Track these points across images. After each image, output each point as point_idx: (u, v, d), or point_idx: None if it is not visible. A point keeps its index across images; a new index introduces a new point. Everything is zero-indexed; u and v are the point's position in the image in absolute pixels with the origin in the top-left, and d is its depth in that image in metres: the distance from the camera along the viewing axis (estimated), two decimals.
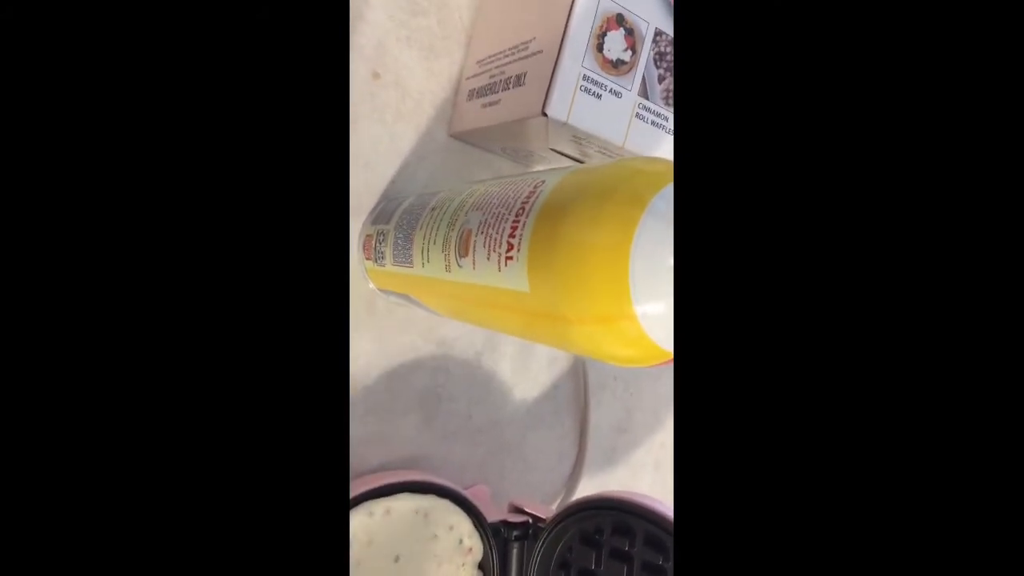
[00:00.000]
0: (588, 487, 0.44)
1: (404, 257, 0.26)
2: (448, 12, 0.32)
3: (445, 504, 0.32)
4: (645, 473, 0.47)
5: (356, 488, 0.30)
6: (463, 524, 0.33)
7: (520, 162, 0.35)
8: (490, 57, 0.30)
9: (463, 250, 0.21)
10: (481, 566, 0.34)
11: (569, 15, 0.25)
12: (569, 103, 0.25)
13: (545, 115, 0.25)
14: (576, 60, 0.25)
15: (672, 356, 0.17)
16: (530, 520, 0.35)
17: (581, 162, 0.31)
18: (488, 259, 0.20)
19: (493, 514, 0.34)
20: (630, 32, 0.26)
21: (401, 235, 0.26)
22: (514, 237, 0.19)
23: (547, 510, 0.35)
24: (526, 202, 0.19)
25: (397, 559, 0.31)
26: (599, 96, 0.26)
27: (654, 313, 0.16)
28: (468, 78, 0.32)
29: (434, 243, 0.23)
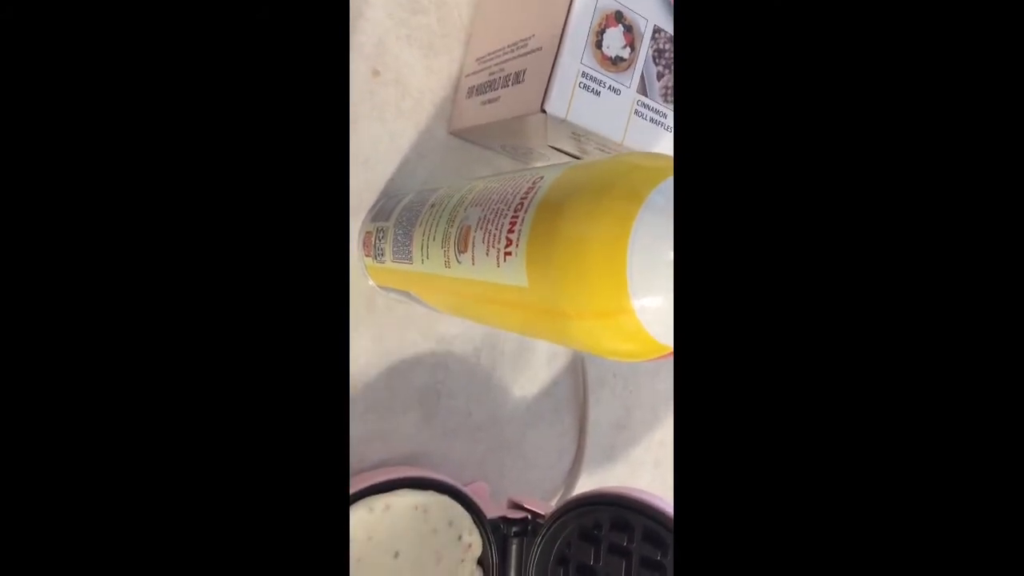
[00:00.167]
0: (587, 484, 0.44)
1: (404, 254, 0.26)
2: (447, 10, 0.32)
3: (445, 500, 0.32)
4: (644, 470, 0.47)
5: (356, 484, 0.31)
6: (463, 520, 0.33)
7: (519, 159, 0.35)
8: (489, 55, 0.30)
9: (462, 246, 0.21)
10: (480, 562, 0.34)
11: (568, 12, 0.25)
12: (568, 100, 0.25)
13: (544, 112, 0.25)
14: (575, 57, 0.25)
15: (670, 350, 0.17)
16: (529, 516, 0.35)
17: (580, 159, 0.31)
18: (487, 255, 0.20)
19: (492, 510, 0.35)
20: (629, 29, 0.26)
21: (401, 232, 0.27)
22: (513, 232, 0.19)
23: (546, 506, 0.35)
24: (524, 198, 0.19)
25: (397, 555, 0.31)
26: (598, 93, 0.26)
27: (652, 307, 0.16)
28: (467, 75, 0.32)
29: (433, 239, 0.23)
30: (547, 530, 0.33)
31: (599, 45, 0.26)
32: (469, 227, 0.21)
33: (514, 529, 0.34)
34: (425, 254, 0.24)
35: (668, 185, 0.16)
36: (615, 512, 0.31)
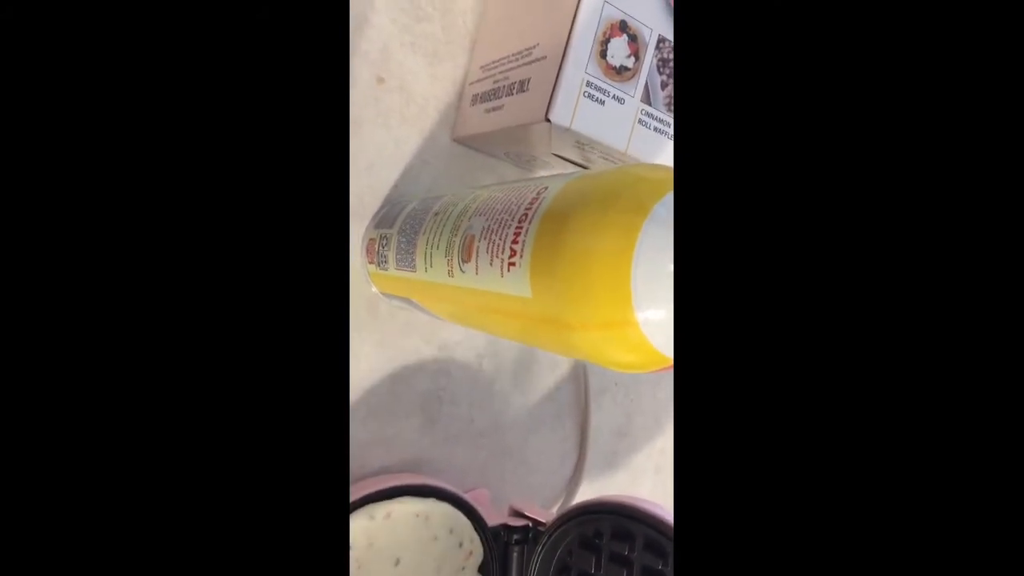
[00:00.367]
0: (588, 491, 0.44)
1: (407, 261, 0.26)
2: (452, 17, 0.32)
3: (446, 508, 0.32)
4: (645, 478, 0.47)
5: (357, 491, 0.31)
6: (464, 528, 0.33)
7: (523, 167, 0.35)
8: (494, 62, 0.30)
9: (466, 255, 0.21)
10: (481, 570, 0.34)
11: (573, 21, 0.25)
12: (572, 109, 0.26)
13: (549, 121, 0.25)
14: (579, 66, 0.25)
15: (673, 362, 0.17)
16: (530, 524, 0.35)
17: (584, 167, 0.31)
18: (491, 265, 0.20)
19: (493, 518, 0.35)
20: (633, 39, 0.26)
21: (404, 239, 0.27)
22: (517, 243, 0.19)
23: (547, 514, 0.35)
24: (529, 208, 0.19)
25: (398, 562, 0.31)
26: (602, 102, 0.26)
27: (656, 319, 0.16)
28: (472, 83, 0.32)
29: (437, 248, 0.23)
30: (548, 538, 0.33)
31: (603, 54, 0.26)
32: (473, 236, 0.21)
33: (515, 537, 0.34)
34: (428, 262, 0.24)
35: (672, 197, 0.16)
36: (616, 521, 0.31)
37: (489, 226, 0.20)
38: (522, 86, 0.27)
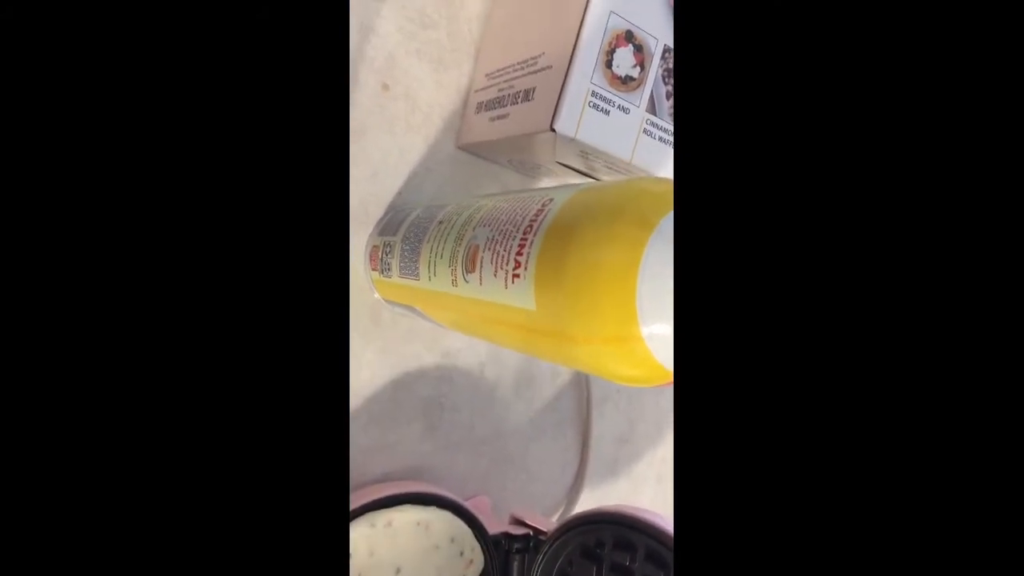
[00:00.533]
0: (590, 499, 0.44)
1: (410, 270, 0.26)
2: (458, 25, 0.33)
3: (447, 516, 0.32)
4: (647, 486, 0.47)
5: (358, 500, 0.31)
6: (465, 536, 0.33)
7: (527, 174, 0.35)
8: (499, 71, 0.30)
9: (470, 266, 0.21)
10: None
11: (579, 31, 0.25)
12: (577, 119, 0.25)
13: (553, 131, 0.25)
14: (585, 76, 0.25)
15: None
16: (531, 532, 0.35)
17: (588, 175, 0.31)
18: (495, 276, 0.20)
19: (494, 526, 0.34)
20: (639, 49, 0.26)
21: (408, 247, 0.27)
22: (521, 255, 0.19)
23: (548, 523, 0.35)
24: (534, 220, 0.19)
25: (398, 571, 0.31)
26: (607, 112, 0.26)
27: (661, 334, 0.16)
28: (477, 91, 0.32)
29: (441, 257, 0.23)
30: (549, 547, 0.33)
31: (609, 64, 0.26)
32: (477, 247, 0.21)
33: (516, 546, 0.34)
34: (432, 271, 0.24)
35: None
36: (618, 531, 0.31)
37: (493, 237, 0.20)
38: (527, 95, 0.27)
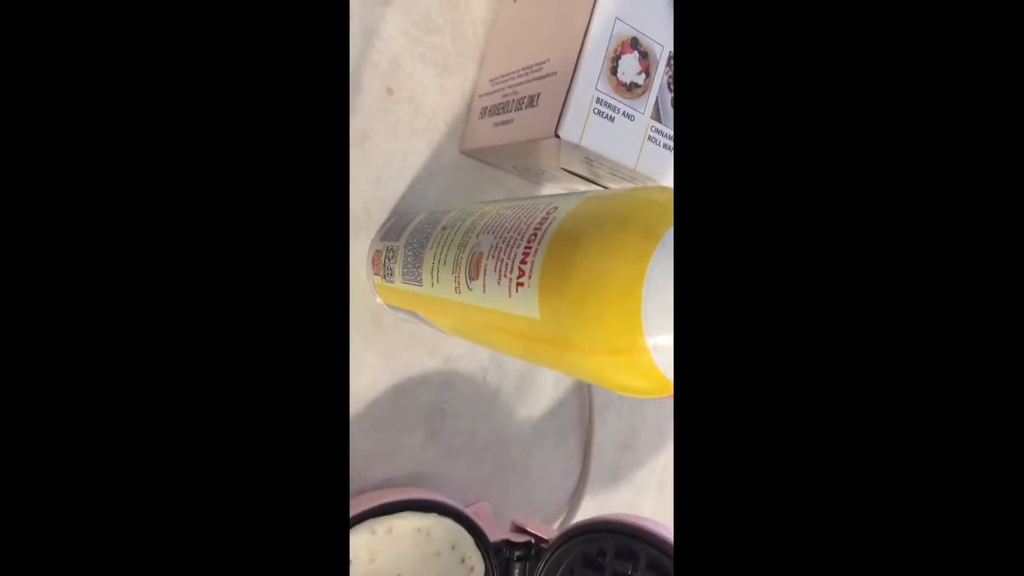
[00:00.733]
0: (591, 506, 0.43)
1: (413, 275, 0.26)
2: (462, 30, 0.32)
3: (448, 523, 0.32)
4: (649, 493, 0.46)
5: (359, 506, 0.30)
6: (465, 543, 0.33)
7: (531, 180, 0.35)
8: (503, 76, 0.30)
9: (473, 273, 0.21)
10: None
11: (584, 38, 0.25)
12: (582, 125, 0.25)
13: (558, 137, 0.25)
14: (590, 83, 0.25)
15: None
16: (532, 540, 0.34)
17: (592, 182, 0.31)
18: (499, 284, 0.20)
19: (495, 532, 0.34)
20: (644, 55, 0.26)
21: (411, 253, 0.26)
22: (526, 263, 0.18)
23: (549, 530, 0.34)
24: (539, 228, 0.19)
25: None
26: (612, 119, 0.26)
27: (666, 346, 0.16)
28: (481, 96, 0.32)
29: (444, 264, 0.23)
30: (550, 555, 0.33)
31: (614, 71, 0.26)
32: (481, 254, 0.21)
33: (517, 553, 0.34)
34: (435, 278, 0.24)
35: None
36: (620, 540, 0.31)
37: (497, 244, 0.20)
38: (531, 101, 0.27)
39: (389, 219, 0.32)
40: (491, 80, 0.31)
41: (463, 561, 0.33)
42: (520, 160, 0.31)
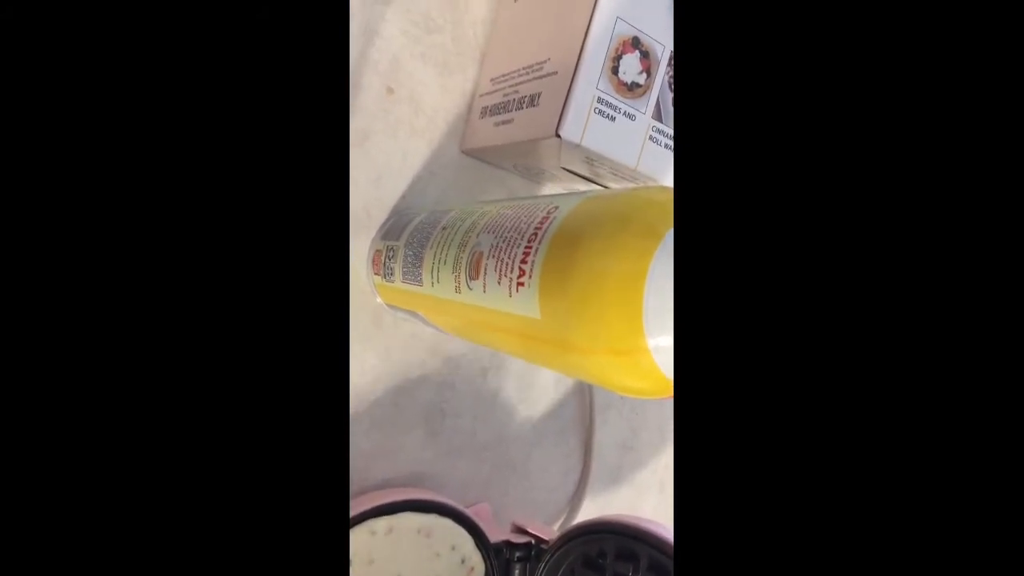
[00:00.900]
0: (592, 507, 0.43)
1: (413, 275, 0.26)
2: (463, 29, 0.32)
3: (448, 523, 0.32)
4: (650, 494, 0.46)
5: (359, 506, 0.30)
6: (465, 544, 0.32)
7: (531, 179, 0.35)
8: (504, 76, 0.30)
9: (473, 272, 0.21)
10: None
11: (585, 37, 0.25)
12: (583, 125, 0.25)
13: (559, 137, 0.25)
14: (591, 82, 0.25)
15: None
16: (533, 541, 0.34)
17: (593, 182, 0.31)
18: (499, 283, 0.20)
19: (496, 533, 0.34)
20: (645, 55, 0.26)
21: (411, 253, 0.26)
22: (526, 263, 0.18)
23: (550, 531, 0.34)
24: (539, 228, 0.19)
25: None
26: (613, 119, 0.26)
27: (667, 346, 0.16)
28: (481, 95, 0.32)
29: (444, 263, 0.23)
30: (551, 556, 0.33)
31: (615, 71, 0.25)
32: (481, 254, 0.21)
33: (517, 554, 0.34)
34: (435, 278, 0.24)
35: None
36: (621, 541, 0.31)
37: (498, 244, 0.20)
38: (532, 100, 0.27)
39: (389, 219, 0.32)
40: (492, 80, 0.31)
41: (463, 562, 0.32)
42: (521, 160, 0.31)
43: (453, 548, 0.32)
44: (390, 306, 0.31)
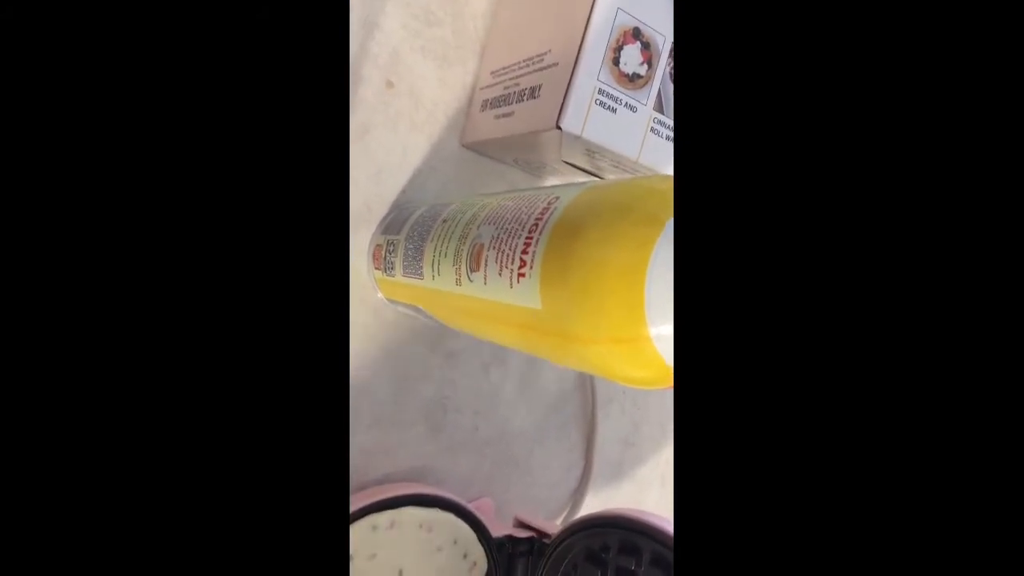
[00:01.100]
0: (594, 502, 0.43)
1: (414, 269, 0.26)
2: (463, 22, 0.32)
3: (450, 518, 0.32)
4: (652, 489, 0.46)
5: (361, 501, 0.30)
6: (468, 538, 0.32)
7: (532, 173, 0.35)
8: (504, 68, 0.30)
9: (474, 264, 0.21)
10: None
11: (586, 28, 0.25)
12: (584, 117, 0.25)
13: (559, 129, 0.25)
14: (592, 74, 0.25)
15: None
16: (535, 535, 0.34)
17: (594, 174, 0.31)
18: (500, 275, 0.19)
19: (498, 528, 0.34)
20: (647, 46, 0.26)
21: (411, 246, 0.26)
22: (527, 254, 0.18)
23: (552, 526, 0.34)
24: (540, 218, 0.19)
25: (400, 573, 0.31)
26: (614, 110, 0.26)
27: (669, 335, 0.16)
28: (482, 88, 0.32)
29: (445, 256, 0.23)
30: (553, 550, 0.33)
31: (616, 62, 0.25)
32: (482, 245, 0.21)
33: (520, 549, 0.34)
34: (436, 270, 0.24)
35: None
36: (623, 535, 0.30)
37: (498, 235, 0.20)
38: (533, 93, 0.27)
39: (389, 213, 0.32)
40: (492, 72, 0.31)
41: (465, 556, 0.32)
42: (521, 154, 0.31)
43: (455, 542, 0.32)
44: (391, 301, 0.31)
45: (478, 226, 0.22)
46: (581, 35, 0.25)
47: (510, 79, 0.29)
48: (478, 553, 0.33)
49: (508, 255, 0.19)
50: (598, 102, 0.25)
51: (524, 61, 0.28)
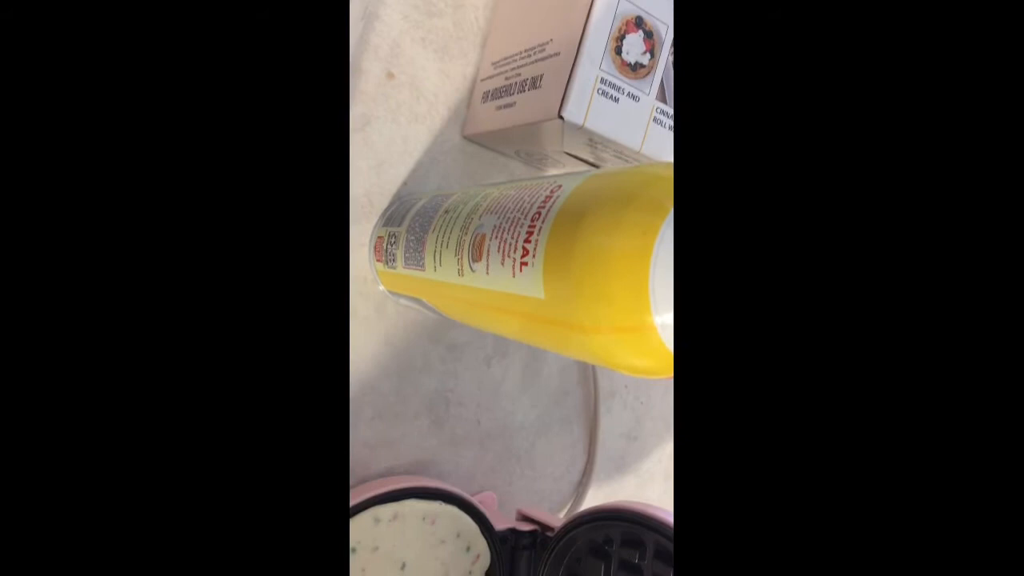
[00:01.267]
0: (597, 495, 0.43)
1: (416, 260, 0.26)
2: (464, 13, 0.32)
3: (453, 511, 0.32)
4: (654, 483, 0.46)
5: (363, 493, 0.30)
6: (470, 531, 0.32)
7: (534, 165, 0.35)
8: (505, 59, 0.30)
9: (476, 254, 0.21)
10: (488, 574, 0.34)
11: (587, 17, 0.24)
12: (586, 106, 0.25)
13: (562, 118, 0.25)
14: (594, 63, 0.25)
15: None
16: (538, 528, 0.34)
17: (596, 166, 0.31)
18: (502, 264, 0.19)
19: (501, 522, 0.34)
20: (649, 35, 0.26)
21: (413, 238, 0.26)
22: (530, 242, 0.18)
23: (555, 519, 0.34)
24: (543, 207, 0.18)
25: (403, 566, 0.31)
26: (616, 100, 0.26)
27: (673, 324, 0.15)
28: (483, 79, 0.32)
29: (446, 247, 0.23)
30: (557, 544, 0.33)
31: (618, 51, 0.25)
32: (484, 235, 0.21)
33: (523, 542, 0.34)
34: (438, 261, 0.24)
35: None
36: (627, 528, 0.30)
37: (501, 224, 0.20)
38: (534, 83, 0.27)
39: (391, 205, 0.31)
40: (493, 63, 0.31)
41: (468, 549, 0.32)
42: (523, 145, 0.31)
43: (458, 535, 0.32)
44: (392, 293, 0.31)
45: (480, 216, 0.21)
46: (583, 24, 0.24)
47: (511, 69, 0.29)
48: (481, 546, 0.33)
49: (511, 244, 0.19)
50: (600, 92, 0.25)
51: (525, 51, 0.28)
